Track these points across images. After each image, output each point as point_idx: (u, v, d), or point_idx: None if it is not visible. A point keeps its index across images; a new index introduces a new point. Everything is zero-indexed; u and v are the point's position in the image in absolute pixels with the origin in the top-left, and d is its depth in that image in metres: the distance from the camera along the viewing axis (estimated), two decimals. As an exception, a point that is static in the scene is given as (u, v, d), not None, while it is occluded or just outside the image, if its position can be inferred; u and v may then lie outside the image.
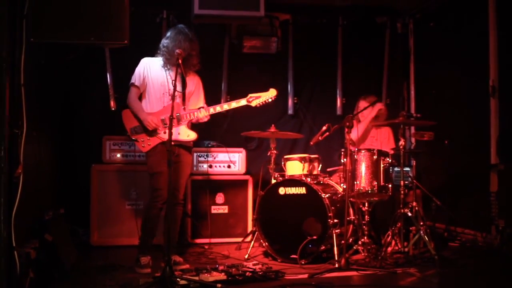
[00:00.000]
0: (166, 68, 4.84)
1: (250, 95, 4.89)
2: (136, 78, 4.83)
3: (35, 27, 3.66)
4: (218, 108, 4.86)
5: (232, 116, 6.66)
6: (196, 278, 3.99)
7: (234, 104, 4.87)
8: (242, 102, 4.88)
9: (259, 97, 4.88)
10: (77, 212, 5.80)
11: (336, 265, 4.56)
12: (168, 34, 4.87)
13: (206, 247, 5.77)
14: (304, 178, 5.17)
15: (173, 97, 4.32)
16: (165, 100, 4.80)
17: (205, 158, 6.17)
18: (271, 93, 4.91)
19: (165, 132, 4.60)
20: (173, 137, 4.26)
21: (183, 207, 5.08)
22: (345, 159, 5.11)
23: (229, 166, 6.24)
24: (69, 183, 6.07)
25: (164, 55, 4.79)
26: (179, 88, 4.78)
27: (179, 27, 4.87)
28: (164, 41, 4.83)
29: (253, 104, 4.88)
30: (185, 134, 4.82)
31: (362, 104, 5.98)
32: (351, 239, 5.13)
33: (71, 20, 3.77)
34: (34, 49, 3.74)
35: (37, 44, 3.70)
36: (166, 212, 4.32)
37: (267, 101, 4.90)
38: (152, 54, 4.92)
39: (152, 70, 4.85)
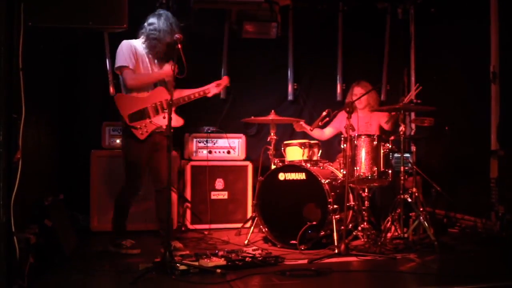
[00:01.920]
0: (146, 51, 4.68)
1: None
2: (127, 60, 4.56)
3: (33, 11, 3.61)
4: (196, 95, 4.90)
5: (231, 102, 6.64)
6: (196, 263, 3.99)
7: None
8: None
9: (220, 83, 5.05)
10: (77, 198, 5.80)
11: (336, 251, 4.56)
12: (153, 19, 4.65)
13: (206, 232, 5.78)
14: (304, 164, 5.17)
15: (172, 83, 4.29)
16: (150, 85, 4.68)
17: (204, 144, 6.15)
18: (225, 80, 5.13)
19: (164, 117, 4.47)
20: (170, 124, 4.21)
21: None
22: (345, 145, 5.10)
23: (228, 152, 6.23)
24: (68, 168, 6.06)
25: (156, 39, 4.59)
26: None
27: (166, 12, 4.70)
28: (157, 25, 4.62)
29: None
30: (175, 120, 4.63)
31: (357, 90, 5.94)
32: (350, 225, 5.14)
33: (70, 4, 3.72)
34: (33, 33, 3.70)
35: (36, 29, 3.67)
36: (164, 199, 4.31)
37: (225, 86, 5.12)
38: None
39: (138, 53, 4.64)
